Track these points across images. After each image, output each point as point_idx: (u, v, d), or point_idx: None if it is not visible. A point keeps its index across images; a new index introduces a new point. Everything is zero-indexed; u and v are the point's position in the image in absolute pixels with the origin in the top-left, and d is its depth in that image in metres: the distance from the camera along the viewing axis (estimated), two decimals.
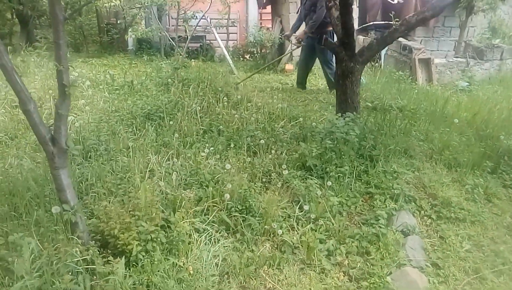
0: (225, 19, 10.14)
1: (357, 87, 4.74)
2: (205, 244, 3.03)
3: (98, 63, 9.31)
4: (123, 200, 3.27)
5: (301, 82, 7.73)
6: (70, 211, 2.54)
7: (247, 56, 11.15)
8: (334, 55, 4.86)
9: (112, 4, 10.50)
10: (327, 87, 7.57)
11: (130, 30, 11.03)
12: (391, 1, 9.76)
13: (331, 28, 6.80)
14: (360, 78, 4.82)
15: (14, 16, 10.98)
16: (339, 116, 4.40)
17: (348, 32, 4.42)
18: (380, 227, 3.26)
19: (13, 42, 11.33)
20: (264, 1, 10.89)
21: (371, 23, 9.97)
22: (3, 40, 11.38)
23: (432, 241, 3.31)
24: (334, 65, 7.12)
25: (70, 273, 2.41)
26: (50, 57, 7.94)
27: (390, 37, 4.50)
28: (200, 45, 11.08)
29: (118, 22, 10.88)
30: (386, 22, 9.57)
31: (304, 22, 7.39)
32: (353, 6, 4.36)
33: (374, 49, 4.65)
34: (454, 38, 9.77)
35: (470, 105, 6.24)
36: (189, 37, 9.23)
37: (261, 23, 11.62)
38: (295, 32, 7.64)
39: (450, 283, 2.86)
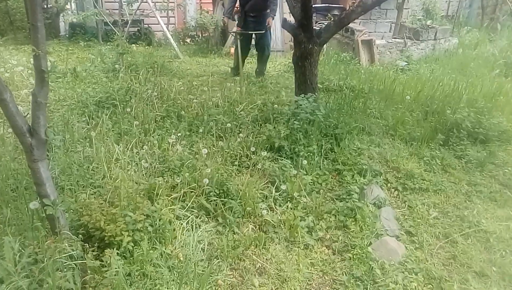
0: (165, 2, 9.84)
1: (315, 68, 4.84)
2: (187, 230, 3.00)
3: (30, 50, 8.67)
4: (98, 191, 3.14)
5: (238, 67, 7.08)
6: (51, 205, 2.39)
7: (188, 40, 10.94)
8: (293, 37, 4.89)
9: None
10: (255, 72, 7.38)
11: (62, 14, 10.40)
12: None
13: (269, 10, 6.90)
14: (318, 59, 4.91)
15: None
16: (302, 97, 4.47)
17: (307, 14, 4.49)
18: (355, 201, 3.39)
19: None
20: None
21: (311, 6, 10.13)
22: None
23: (402, 211, 3.51)
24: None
25: (58, 270, 2.28)
26: None
27: (347, 18, 4.62)
28: (138, 29, 10.69)
29: (49, 6, 10.18)
30: (327, 5, 9.82)
31: (241, 4, 6.93)
32: None
33: (332, 31, 4.76)
34: (389, 20, 10.23)
35: (413, 84, 6.60)
36: (129, 21, 8.87)
37: (201, 6, 11.41)
38: (230, 14, 7.27)
39: (425, 248, 3.06)
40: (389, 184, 3.83)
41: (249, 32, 6.95)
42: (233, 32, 7.34)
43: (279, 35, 10.46)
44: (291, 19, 5.16)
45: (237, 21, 7.20)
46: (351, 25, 8.78)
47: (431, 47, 9.35)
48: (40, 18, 2.10)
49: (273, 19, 6.86)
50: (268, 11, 6.83)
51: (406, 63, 8.38)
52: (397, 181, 3.87)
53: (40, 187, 2.40)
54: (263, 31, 6.88)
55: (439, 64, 8.59)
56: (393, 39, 9.29)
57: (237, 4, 7.04)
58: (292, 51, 5.21)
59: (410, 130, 4.70)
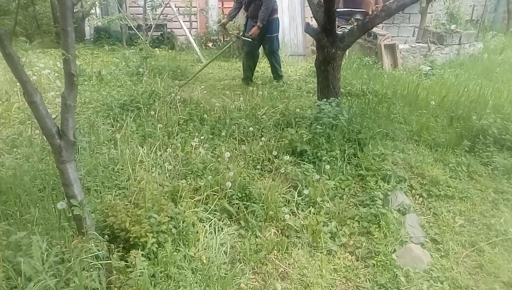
0: (188, 7, 9.96)
1: (338, 72, 4.82)
2: (210, 233, 3.01)
3: (57, 54, 8.88)
4: (123, 192, 3.19)
5: (249, 75, 7.07)
6: (78, 206, 2.43)
7: (210, 44, 11.03)
8: (315, 41, 4.88)
9: None
10: (273, 78, 7.18)
11: (87, 19, 10.59)
12: None
13: (277, 16, 6.73)
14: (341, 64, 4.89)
15: None
16: (325, 102, 4.45)
17: (330, 19, 4.47)
18: (378, 207, 3.36)
19: None
20: None
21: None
22: None
23: (427, 218, 3.46)
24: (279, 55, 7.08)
25: (84, 270, 2.32)
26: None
27: (370, 23, 4.58)
28: (161, 33, 10.83)
29: (75, 11, 10.39)
30: (349, 9, 9.76)
31: (244, 11, 6.83)
32: None
33: (355, 35, 4.73)
34: (413, 24, 10.10)
35: (438, 89, 6.50)
36: (153, 25, 8.99)
37: (223, 11, 11.49)
38: (231, 20, 7.09)
39: (451, 256, 3.00)
40: (413, 191, 3.77)
41: (242, 38, 6.77)
42: (233, 34, 7.30)
43: (300, 40, 10.47)
44: (313, 23, 5.14)
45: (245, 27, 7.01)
46: (374, 29, 8.71)
47: (455, 52, 9.21)
48: (70, 23, 2.15)
49: (258, 27, 6.42)
50: (273, 17, 6.65)
51: (430, 68, 8.26)
52: (421, 187, 3.81)
53: (67, 188, 2.45)
54: (250, 39, 6.52)
55: (464, 69, 8.44)
56: (417, 44, 9.18)
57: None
58: (314, 55, 5.20)
59: (435, 136, 4.63)
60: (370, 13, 6.81)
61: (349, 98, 5.90)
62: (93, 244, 2.36)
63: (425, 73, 8.04)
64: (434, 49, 8.95)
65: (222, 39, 10.88)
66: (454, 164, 4.13)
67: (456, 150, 4.39)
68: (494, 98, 5.69)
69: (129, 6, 10.89)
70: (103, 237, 2.57)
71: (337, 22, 9.68)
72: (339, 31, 6.72)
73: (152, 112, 4.88)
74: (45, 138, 4.08)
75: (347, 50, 6.12)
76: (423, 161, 4.13)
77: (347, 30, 4.99)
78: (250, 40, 6.55)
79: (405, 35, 10.19)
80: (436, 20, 10.45)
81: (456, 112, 5.25)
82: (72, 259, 2.25)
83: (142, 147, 3.99)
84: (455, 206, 3.60)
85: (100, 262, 2.39)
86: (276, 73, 7.14)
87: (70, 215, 2.61)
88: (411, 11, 9.91)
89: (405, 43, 9.61)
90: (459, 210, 3.55)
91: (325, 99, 4.58)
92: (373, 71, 7.77)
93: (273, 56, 6.95)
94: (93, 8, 10.53)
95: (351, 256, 3.02)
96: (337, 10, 10.14)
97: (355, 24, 5.06)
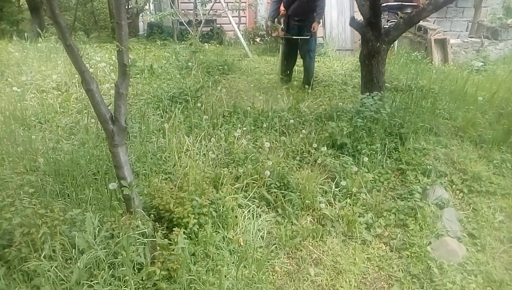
0: (237, 2, 10.16)
1: (383, 66, 4.82)
2: (248, 218, 3.16)
3: (112, 48, 9.35)
4: (169, 177, 3.40)
5: (288, 74, 6.74)
6: (127, 187, 2.65)
7: (258, 40, 11.19)
8: (361, 35, 4.90)
9: None
10: (302, 82, 6.66)
11: (141, 15, 11.06)
12: None
13: (315, 14, 6.30)
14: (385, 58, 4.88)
15: (21, 3, 11.01)
16: (368, 95, 4.48)
17: (375, 13, 4.49)
18: (416, 201, 3.37)
19: (20, 28, 11.38)
20: None
21: (384, 4, 9.96)
22: (12, 27, 11.45)
23: (466, 213, 3.43)
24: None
25: (132, 245, 2.53)
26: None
27: (417, 16, 4.55)
28: (211, 28, 11.12)
29: (130, 7, 10.89)
30: (399, 3, 9.60)
31: (285, 8, 6.36)
32: None
33: (401, 29, 4.71)
34: (466, 19, 9.78)
35: (488, 85, 6.31)
36: (203, 20, 9.29)
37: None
38: (274, 18, 6.54)
39: (487, 251, 2.99)
40: (454, 186, 3.74)
41: (293, 36, 6.38)
42: (275, 36, 6.73)
43: (348, 34, 10.40)
44: (359, 17, 5.15)
45: (281, 25, 6.55)
46: (424, 23, 8.55)
47: (510, 47, 8.83)
48: (124, 17, 2.35)
49: (319, 23, 6.27)
50: (314, 14, 6.27)
51: (483, 64, 7.99)
52: (463, 183, 3.77)
53: (118, 170, 2.67)
54: (307, 37, 6.31)
55: None
56: (469, 39, 8.89)
57: (282, 7, 6.42)
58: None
59: (480, 132, 4.53)
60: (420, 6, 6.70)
61: (394, 92, 5.85)
62: (140, 222, 2.57)
63: (477, 68, 7.79)
64: (487, 44, 8.64)
65: (270, 34, 11.02)
66: (498, 160, 4.05)
67: (502, 147, 4.29)
68: None
69: (181, 2, 11.27)
70: (149, 217, 2.78)
71: (386, 16, 9.60)
72: (387, 26, 6.67)
73: (199, 104, 5.09)
74: (99, 126, 4.43)
75: (395, 44, 6.07)
76: (466, 157, 4.08)
77: (394, 23, 4.98)
78: (309, 37, 6.28)
79: (458, 29, 9.88)
80: (492, 14, 10.03)
81: (506, 108, 5.10)
82: (121, 234, 2.46)
83: (188, 137, 4.20)
84: (496, 203, 3.54)
85: (145, 239, 2.60)
86: (308, 78, 6.57)
87: (120, 195, 2.84)
88: (465, 5, 9.60)
89: (457, 38, 9.33)
90: (500, 206, 3.49)
91: (368, 93, 4.60)
92: (422, 66, 7.63)
93: (309, 56, 6.52)
94: (147, 4, 10.99)
95: (386, 246, 3.07)
96: (388, 4, 10.06)
97: (402, 17, 5.02)
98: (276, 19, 6.57)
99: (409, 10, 9.30)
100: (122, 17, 2.35)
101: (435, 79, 6.51)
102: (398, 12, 8.97)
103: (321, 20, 6.34)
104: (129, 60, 2.46)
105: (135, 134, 4.24)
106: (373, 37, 4.63)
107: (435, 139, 4.37)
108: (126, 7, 11.24)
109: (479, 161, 4.08)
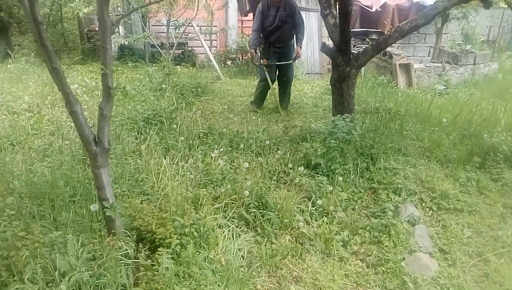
0: (208, 26, 10.34)
1: (352, 90, 5.02)
2: (228, 238, 3.20)
3: (84, 69, 9.30)
4: (149, 198, 3.42)
5: (261, 100, 6.79)
6: (109, 208, 2.66)
7: (229, 62, 11.37)
8: (331, 60, 5.10)
9: (92, 10, 10.52)
10: (278, 108, 6.48)
11: (112, 36, 11.05)
12: (369, 9, 10.19)
13: (293, 40, 6.42)
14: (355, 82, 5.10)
15: None
16: (339, 118, 4.65)
17: (345, 39, 4.70)
18: (389, 218, 3.51)
19: None
20: (247, 9, 11.12)
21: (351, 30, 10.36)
22: None
23: (436, 229, 3.60)
24: None
25: (116, 266, 2.53)
26: (39, 64, 7.93)
27: (384, 43, 4.80)
28: (182, 51, 11.22)
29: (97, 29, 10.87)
30: (365, 29, 10.01)
31: (265, 36, 6.38)
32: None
33: (369, 54, 4.94)
34: (428, 44, 10.30)
35: (451, 107, 6.65)
36: (175, 43, 9.37)
37: (242, 30, 11.86)
38: (256, 46, 6.46)
39: (458, 265, 3.14)
40: (423, 203, 3.92)
41: (276, 63, 6.44)
42: (259, 64, 6.61)
43: (317, 58, 10.72)
44: (329, 43, 5.37)
45: (259, 54, 6.55)
46: (389, 49, 8.93)
47: (470, 72, 9.36)
48: (109, 41, 2.41)
49: (301, 48, 6.33)
50: (292, 41, 6.43)
51: (445, 87, 8.41)
52: (431, 200, 3.96)
53: (100, 191, 2.68)
54: (290, 61, 6.47)
55: (478, 89, 8.58)
56: (432, 63, 9.35)
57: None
58: (330, 74, 5.42)
59: (446, 152, 4.78)
60: (385, 33, 7.04)
61: (363, 115, 6.08)
62: (123, 243, 2.58)
63: (440, 92, 8.19)
64: (449, 69, 9.11)
65: (241, 58, 11.24)
66: (464, 179, 4.27)
67: (466, 166, 4.53)
68: (507, 117, 5.82)
69: (152, 25, 11.34)
70: (130, 238, 2.79)
71: (353, 41, 9.97)
72: (355, 51, 6.95)
73: (174, 126, 5.13)
74: (74, 148, 4.40)
75: (362, 68, 6.32)
76: (434, 176, 4.28)
77: (362, 49, 5.21)
78: (291, 62, 6.44)
79: (420, 54, 10.38)
80: (451, 40, 10.62)
81: (468, 129, 5.39)
82: (105, 255, 2.46)
83: (165, 158, 4.23)
84: (464, 219, 3.73)
85: (129, 260, 2.60)
86: (286, 101, 6.73)
87: (101, 217, 2.84)
88: (427, 31, 10.12)
89: (420, 63, 9.80)
90: (468, 222, 3.69)
91: (339, 115, 4.77)
92: (388, 89, 7.96)
93: (289, 80, 6.64)
94: (118, 27, 11.01)
95: (362, 263, 3.18)
96: (354, 30, 10.46)
97: (370, 43, 5.27)
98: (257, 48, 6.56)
99: (374, 36, 9.74)
100: (107, 41, 2.41)
101: (401, 102, 6.81)
102: (366, 38, 9.36)
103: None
104: (113, 83, 2.51)
105: (111, 156, 4.22)
106: (343, 62, 4.84)
107: (404, 159, 4.57)
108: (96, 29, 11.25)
109: (446, 179, 4.29)
